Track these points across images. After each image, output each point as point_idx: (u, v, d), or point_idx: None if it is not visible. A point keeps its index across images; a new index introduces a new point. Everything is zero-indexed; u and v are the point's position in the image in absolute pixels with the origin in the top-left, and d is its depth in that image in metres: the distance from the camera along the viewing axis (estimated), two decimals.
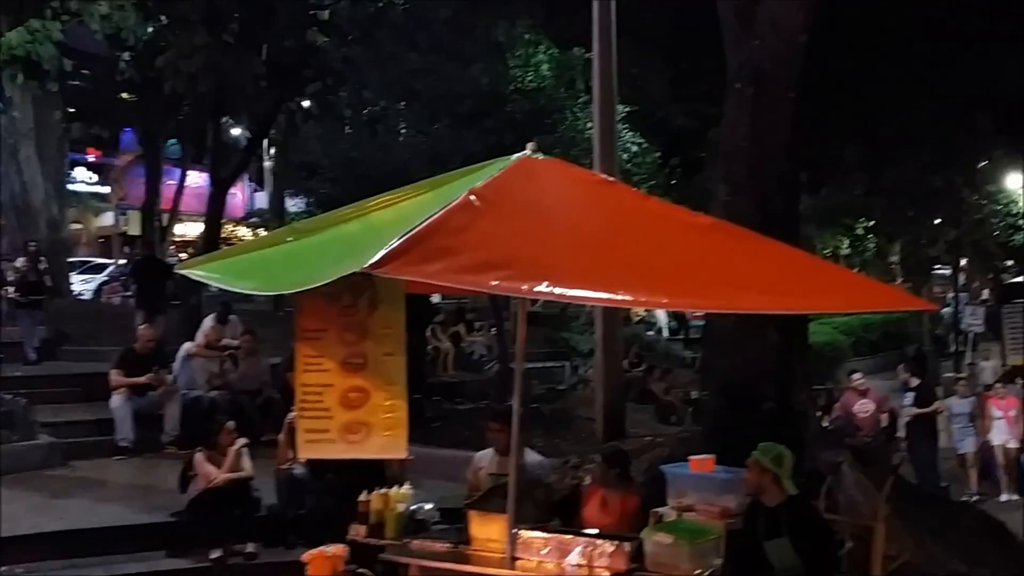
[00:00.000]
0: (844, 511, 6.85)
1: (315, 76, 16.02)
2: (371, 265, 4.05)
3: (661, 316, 23.41)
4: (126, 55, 13.84)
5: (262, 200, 37.14)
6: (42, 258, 14.22)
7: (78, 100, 19.03)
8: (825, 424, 12.78)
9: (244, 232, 36.63)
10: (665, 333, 23.54)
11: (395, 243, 4.12)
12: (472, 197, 4.54)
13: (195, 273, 5.22)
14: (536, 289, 4.15)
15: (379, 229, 4.70)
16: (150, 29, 12.86)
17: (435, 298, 17.37)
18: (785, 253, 4.92)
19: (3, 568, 7.04)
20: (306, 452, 5.77)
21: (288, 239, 5.33)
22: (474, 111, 12.15)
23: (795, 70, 8.10)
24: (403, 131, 13.17)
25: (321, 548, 6.02)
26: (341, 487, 6.72)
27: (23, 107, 17.27)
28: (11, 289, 13.67)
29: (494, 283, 4.21)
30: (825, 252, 29.59)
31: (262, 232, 34.06)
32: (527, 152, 5.11)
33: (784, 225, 7.40)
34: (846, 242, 31.79)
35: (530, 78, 13.46)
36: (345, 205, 5.49)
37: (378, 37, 13.00)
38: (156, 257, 16.33)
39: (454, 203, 4.48)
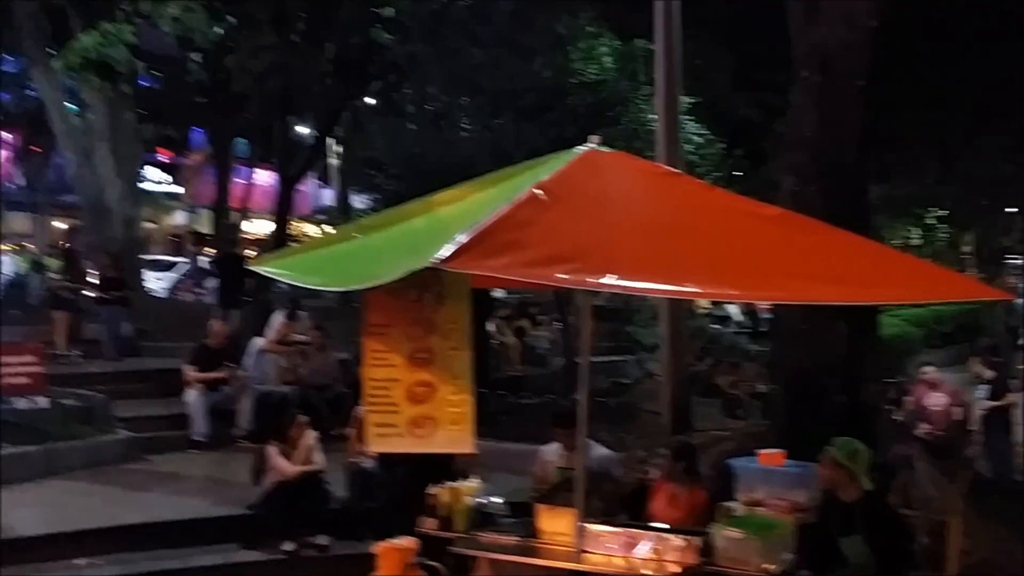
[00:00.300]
0: (918, 506, 6.74)
1: (379, 73, 16.16)
2: (440, 260, 4.08)
3: (733, 310, 23.15)
4: (196, 56, 14.11)
5: (328, 197, 37.61)
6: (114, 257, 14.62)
7: (149, 101, 19.42)
8: (896, 418, 12.54)
9: (311, 229, 37.16)
10: (735, 326, 23.28)
11: (463, 238, 4.14)
12: (537, 191, 4.55)
13: (266, 269, 5.31)
14: (602, 282, 4.15)
15: (445, 224, 4.74)
16: (218, 30, 13.07)
17: (498, 293, 17.44)
18: (855, 243, 4.84)
19: (86, 559, 7.25)
20: (375, 446, 5.83)
21: (355, 235, 5.39)
22: (537, 104, 12.15)
23: (863, 57, 7.97)
24: (466, 126, 13.21)
25: (392, 541, 6.12)
26: (410, 480, 6.80)
27: (97, 109, 17.69)
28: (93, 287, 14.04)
29: (561, 276, 4.22)
30: (895, 242, 29.00)
31: (328, 228, 34.56)
32: (591, 145, 5.11)
33: (853, 215, 7.29)
34: (917, 232, 31.13)
35: (592, 70, 13.39)
36: (409, 200, 5.54)
37: (441, 33, 13.05)
38: (236, 254, 16.66)
39: (519, 197, 4.49)
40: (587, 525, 5.15)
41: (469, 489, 6.01)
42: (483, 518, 5.88)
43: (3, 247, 28.63)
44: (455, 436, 5.46)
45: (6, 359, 9.55)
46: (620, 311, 17.72)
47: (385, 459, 7.42)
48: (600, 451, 6.76)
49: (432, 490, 5.95)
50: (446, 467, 6.79)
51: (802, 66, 8.20)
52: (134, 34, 11.71)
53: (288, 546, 7.49)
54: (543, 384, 14.24)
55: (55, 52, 16.55)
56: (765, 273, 4.33)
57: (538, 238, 4.34)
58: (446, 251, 4.09)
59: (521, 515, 5.90)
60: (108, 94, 15.72)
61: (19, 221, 33.11)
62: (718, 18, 14.87)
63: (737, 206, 4.96)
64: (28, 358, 9.70)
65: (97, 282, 13.95)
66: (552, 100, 12.44)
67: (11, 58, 21.69)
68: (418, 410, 5.45)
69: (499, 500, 6.09)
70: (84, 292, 14.21)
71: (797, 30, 8.25)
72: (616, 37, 13.83)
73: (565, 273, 4.19)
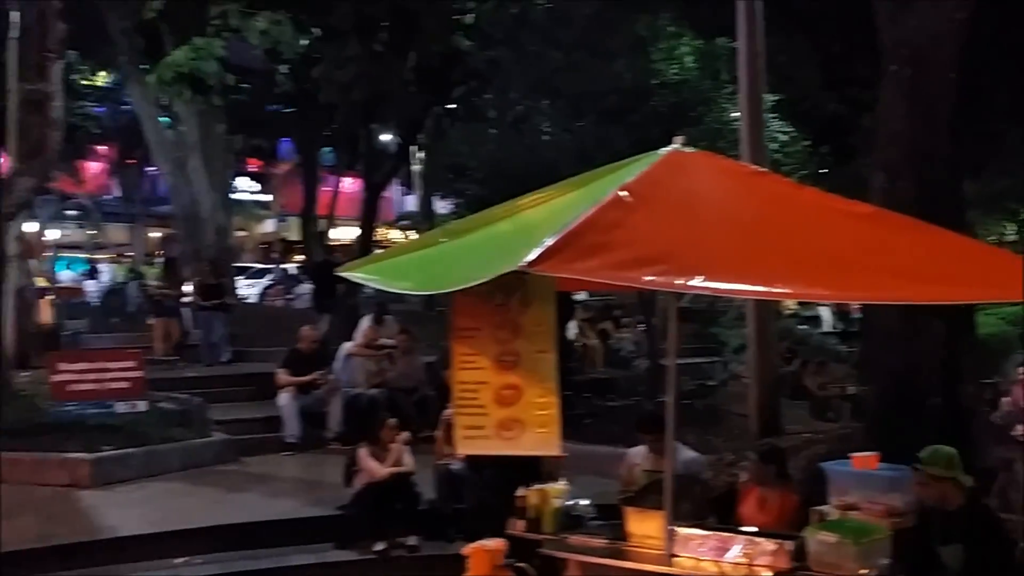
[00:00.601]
0: (1018, 510, 6.53)
1: (460, 79, 16.33)
2: (528, 264, 4.10)
3: (824, 312, 22.69)
4: (283, 68, 14.43)
5: (411, 202, 38.04)
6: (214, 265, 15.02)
7: (239, 113, 19.90)
8: (994, 420, 12.15)
9: (395, 234, 37.65)
10: (827, 327, 22.80)
11: (550, 241, 4.14)
12: (623, 193, 4.54)
13: (355, 275, 5.41)
14: (692, 284, 4.13)
15: (530, 228, 4.76)
16: (304, 42, 13.36)
17: (580, 295, 17.44)
18: (950, 240, 4.72)
19: (184, 558, 7.47)
20: (464, 448, 5.90)
21: (442, 240, 5.45)
22: (618, 106, 12.10)
23: (954, 49, 7.76)
24: (548, 130, 13.24)
25: (481, 542, 6.16)
26: (498, 482, 6.84)
27: (189, 122, 18.18)
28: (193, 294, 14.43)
29: (649, 279, 4.20)
30: (990, 239, 28.06)
31: (413, 234, 34.97)
32: (676, 146, 5.08)
33: (946, 211, 7.11)
34: (1012, 228, 30.05)
35: (674, 71, 13.29)
36: (493, 205, 5.57)
37: (521, 37, 13.11)
38: (329, 260, 17.01)
39: (605, 199, 4.48)
40: (677, 528, 5.12)
41: (557, 491, 6.01)
42: (571, 520, 5.87)
43: (102, 256, 29.75)
44: (542, 438, 5.50)
45: (108, 364, 9.92)
46: (704, 312, 17.53)
47: (473, 461, 7.49)
48: (687, 454, 6.71)
49: (520, 492, 5.96)
50: (533, 469, 6.80)
51: (891, 60, 8.01)
52: (224, 48, 12.03)
53: (379, 546, 7.60)
54: (627, 387, 14.17)
55: (149, 67, 17.12)
56: (858, 272, 4.25)
57: (625, 240, 4.32)
58: (533, 254, 4.10)
59: (609, 518, 5.89)
60: (199, 107, 16.15)
61: (116, 231, 34.32)
62: (802, 13, 14.59)
63: (828, 204, 4.87)
64: (128, 363, 10.05)
65: (197, 289, 14.30)
66: (633, 102, 12.36)
67: (107, 74, 22.44)
68: (506, 412, 5.50)
69: (587, 502, 6.08)
70: (184, 299, 14.60)
71: (885, 23, 8.07)
72: (697, 36, 13.70)
73: (654, 275, 4.17)
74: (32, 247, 15.98)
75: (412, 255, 5.47)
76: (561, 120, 12.99)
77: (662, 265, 4.20)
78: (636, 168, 4.88)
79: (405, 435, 8.25)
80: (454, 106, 18.22)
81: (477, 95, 16.73)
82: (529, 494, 5.93)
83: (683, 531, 5.14)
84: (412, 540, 7.72)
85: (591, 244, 4.26)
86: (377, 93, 13.68)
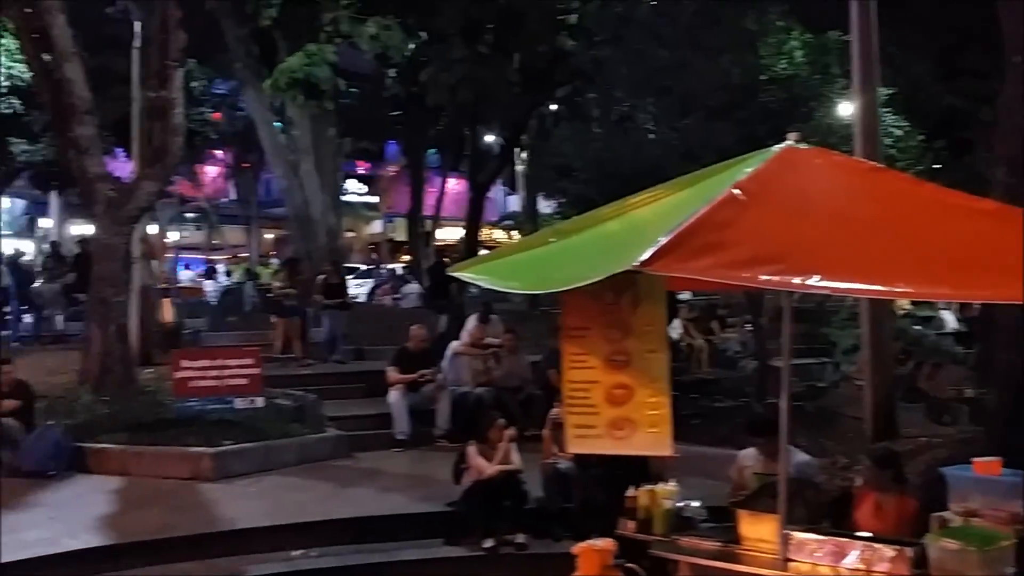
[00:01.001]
0: None
1: (565, 79, 16.36)
2: (641, 263, 4.08)
3: (947, 313, 21.89)
4: (391, 72, 14.70)
5: (514, 203, 38.25)
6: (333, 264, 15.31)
7: (348, 116, 20.36)
8: None
9: (499, 235, 37.94)
10: (949, 329, 21.98)
11: (663, 240, 4.10)
12: (736, 191, 4.47)
13: (466, 275, 5.47)
14: (809, 283, 4.05)
15: (640, 227, 4.74)
16: (412, 46, 13.58)
17: (685, 295, 17.24)
18: None
19: (300, 550, 7.69)
20: (574, 447, 5.91)
21: (551, 240, 5.45)
22: (726, 103, 11.94)
23: None
24: (653, 128, 13.15)
25: (590, 541, 6.17)
26: (607, 482, 6.85)
27: (302, 126, 18.68)
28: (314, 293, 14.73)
29: (765, 278, 4.13)
30: None
31: (516, 234, 35.18)
32: (790, 142, 5.00)
33: None
34: None
35: (783, 66, 13.05)
36: (598, 204, 5.56)
37: (626, 36, 13.06)
38: (443, 261, 17.25)
39: (718, 198, 4.43)
40: (792, 532, 5.03)
41: (667, 492, 5.97)
42: (682, 522, 5.83)
43: (219, 257, 30.78)
44: (654, 438, 5.47)
45: (227, 362, 10.27)
46: (812, 312, 17.14)
47: (581, 460, 7.50)
48: (800, 457, 6.58)
49: (630, 492, 5.95)
50: (642, 470, 6.79)
51: (1013, 50, 7.72)
52: (335, 53, 12.33)
53: (488, 543, 7.67)
54: (734, 387, 13.96)
55: (264, 74, 17.64)
56: (982, 271, 4.10)
57: (739, 239, 4.27)
58: (646, 254, 4.08)
59: (720, 520, 5.83)
60: (312, 111, 16.57)
61: (232, 233, 35.49)
62: (914, 3, 14.17)
63: (949, 200, 4.72)
64: (247, 361, 10.37)
65: (319, 288, 14.56)
66: (741, 98, 12.19)
67: (223, 81, 23.19)
68: (617, 412, 5.49)
69: (698, 504, 6.03)
70: (305, 298, 14.87)
71: (1007, 12, 7.78)
72: (807, 30, 13.43)
73: (769, 274, 4.11)
74: (154, 248, 16.63)
75: (522, 255, 5.49)
76: (667, 118, 12.90)
77: (778, 264, 4.13)
78: (749, 165, 4.81)
79: (512, 433, 8.30)
80: (558, 106, 18.26)
81: (581, 95, 16.74)
82: (639, 494, 5.92)
83: (798, 535, 5.05)
84: (520, 538, 7.76)
85: (704, 243, 4.21)
86: (483, 94, 13.80)
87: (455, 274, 5.54)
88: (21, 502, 8.56)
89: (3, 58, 14.55)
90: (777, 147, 4.97)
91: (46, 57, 11.77)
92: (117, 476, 9.40)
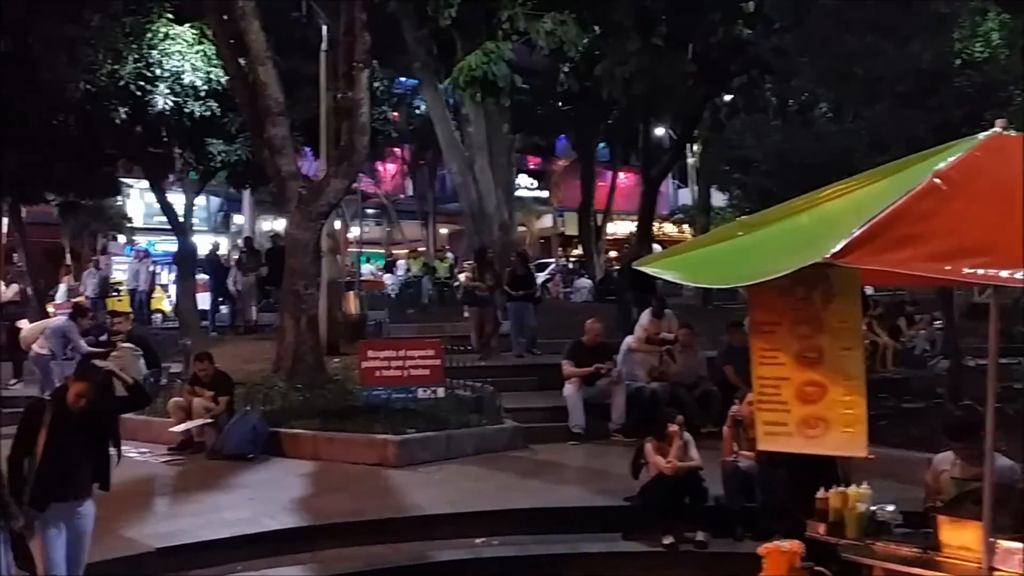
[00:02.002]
0: None
1: (741, 69, 16.01)
2: (833, 255, 3.96)
3: None
4: (565, 67, 14.78)
5: (685, 196, 37.77)
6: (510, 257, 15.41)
7: (520, 112, 20.59)
8: None
9: (670, 228, 37.54)
10: None
11: (856, 232, 3.98)
12: (937, 180, 4.27)
13: (651, 269, 5.44)
14: (1017, 276, 3.83)
15: (833, 220, 4.59)
16: (586, 40, 13.60)
17: (868, 290, 16.55)
18: None
19: (481, 539, 7.85)
20: (764, 444, 5.77)
21: (739, 233, 5.35)
22: (916, 89, 11.37)
23: None
24: (837, 117, 12.67)
25: (777, 542, 6.04)
26: (793, 482, 6.68)
27: (477, 123, 19.07)
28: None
29: (969, 271, 3.93)
30: None
31: (687, 228, 34.74)
32: (997, 129, 4.73)
33: None
34: None
35: (978, 49, 12.33)
36: (777, 197, 5.43)
37: (808, 22, 12.64)
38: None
39: (917, 188, 4.23)
40: (997, 540, 4.78)
41: (860, 495, 5.79)
42: (876, 526, 5.63)
43: (398, 252, 31.75)
44: (848, 439, 5.28)
45: (411, 353, 10.60)
46: (1008, 309, 16.16)
47: (766, 459, 7.33)
48: (1003, 461, 6.21)
49: (821, 494, 5.79)
50: (830, 470, 6.59)
51: None
52: (512, 50, 12.51)
53: (667, 540, 7.62)
54: (923, 388, 13.32)
55: (442, 72, 18.11)
56: None
57: (940, 231, 4.08)
58: (839, 246, 3.95)
59: (915, 525, 5.60)
60: (487, 108, 16.86)
61: (410, 228, 36.57)
62: None
63: None
64: (429, 352, 10.68)
65: (507, 280, 14.65)
66: (933, 84, 11.58)
67: (401, 80, 23.88)
68: (809, 410, 5.33)
69: (892, 508, 5.81)
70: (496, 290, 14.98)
71: None
72: (1005, 10, 12.64)
73: (974, 268, 3.90)
74: (339, 243, 17.29)
75: (709, 249, 5.42)
76: (852, 107, 12.41)
77: (984, 257, 3.92)
78: (951, 154, 4.58)
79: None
80: (733, 97, 17.88)
81: (757, 85, 16.34)
82: (831, 496, 5.76)
83: (1004, 544, 4.79)
84: (700, 536, 7.68)
85: (902, 235, 4.05)
86: (657, 87, 13.68)
87: (642, 268, 5.52)
88: (222, 483, 9.13)
89: (202, 63, 15.46)
90: (983, 134, 4.72)
91: (242, 61, 12.48)
92: (309, 460, 9.89)
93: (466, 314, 14.84)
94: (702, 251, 5.48)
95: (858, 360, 5.23)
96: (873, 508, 5.69)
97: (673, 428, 8.02)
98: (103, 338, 13.56)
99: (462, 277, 15.03)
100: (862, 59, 11.91)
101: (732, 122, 17.36)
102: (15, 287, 15.03)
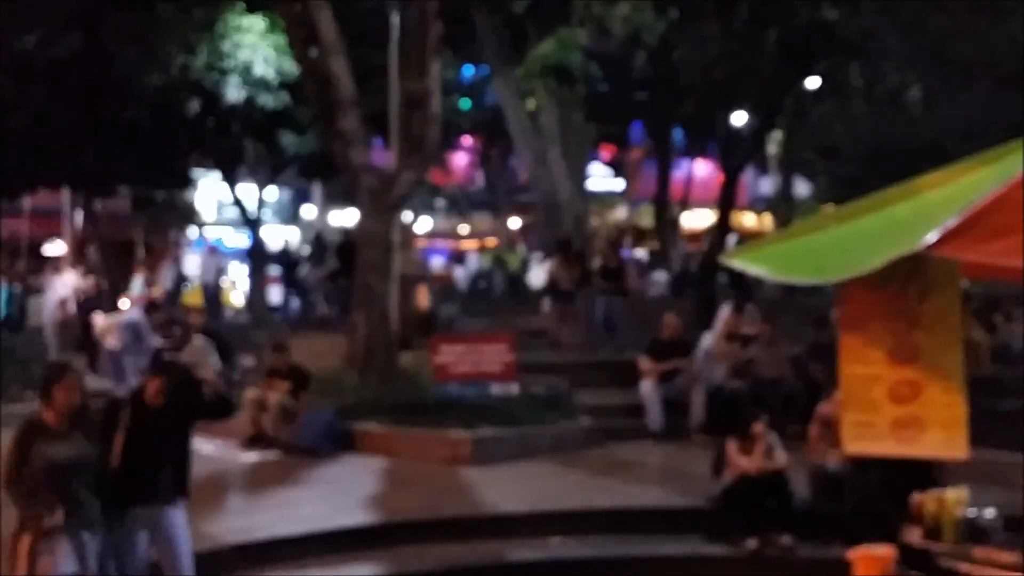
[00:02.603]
0: None
1: (826, 53, 15.47)
2: (928, 246, 3.70)
3: None
4: (642, 54, 14.46)
5: (765, 186, 37.01)
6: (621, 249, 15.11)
7: (594, 101, 20.30)
8: None
9: (749, 219, 36.81)
10: None
11: (952, 221, 3.73)
12: None
13: (738, 263, 5.18)
14: None
15: (928, 210, 4.30)
16: (664, 26, 13.26)
17: (962, 284, 15.85)
18: None
19: (558, 538, 7.68)
20: (852, 446, 5.48)
21: (830, 225, 5.10)
22: (1016, 72, 10.84)
23: None
24: (930, 102, 12.16)
25: (868, 547, 5.76)
26: (886, 485, 6.38)
27: (549, 112, 18.80)
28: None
29: None
30: None
31: (768, 218, 34.00)
32: None
33: None
34: None
35: None
36: (866, 186, 5.15)
37: (898, 3, 12.11)
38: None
39: (1018, 175, 3.95)
40: None
41: (957, 499, 5.49)
42: (976, 531, 5.38)
43: (468, 244, 31.77)
44: (946, 440, 4.99)
45: (484, 348, 10.44)
46: None
47: (857, 462, 7.00)
48: None
49: (915, 497, 5.49)
50: (924, 473, 6.29)
51: None
52: (586, 38, 12.25)
53: (751, 543, 7.36)
54: (1021, 386, 12.70)
55: (514, 61, 17.89)
56: None
57: None
58: (934, 236, 3.72)
59: (1016, 530, 5.30)
60: (561, 97, 16.62)
61: (481, 220, 36.52)
62: None
63: None
64: (502, 347, 10.50)
65: (598, 272, 14.37)
66: None
67: (471, 69, 23.79)
68: (902, 410, 5.04)
69: (993, 513, 5.50)
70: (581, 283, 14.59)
71: None
72: None
73: None
74: (409, 236, 17.24)
75: (799, 241, 5.14)
76: (946, 91, 11.89)
77: None
78: None
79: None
80: (817, 83, 17.33)
81: (843, 69, 15.79)
82: (926, 500, 5.48)
83: None
84: (786, 539, 7.41)
85: (1001, 224, 3.84)
86: (738, 72, 13.28)
87: (730, 262, 5.28)
88: (296, 478, 9.09)
89: (273, 54, 15.52)
90: None
91: (313, 52, 12.43)
92: (381, 456, 9.78)
93: (545, 307, 14.48)
94: (791, 243, 5.19)
95: (958, 357, 4.96)
96: (971, 512, 5.41)
97: (758, 428, 7.74)
98: (177, 332, 13.69)
99: (541, 270, 14.55)
100: (957, 40, 11.40)
101: (816, 108, 16.87)
102: (90, 279, 15.27)
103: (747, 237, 32.28)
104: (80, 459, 5.25)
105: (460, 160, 36.18)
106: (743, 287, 13.60)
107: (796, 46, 14.48)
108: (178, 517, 5.69)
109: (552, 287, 14.40)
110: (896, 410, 5.10)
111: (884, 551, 5.72)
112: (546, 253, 17.55)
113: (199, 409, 6.16)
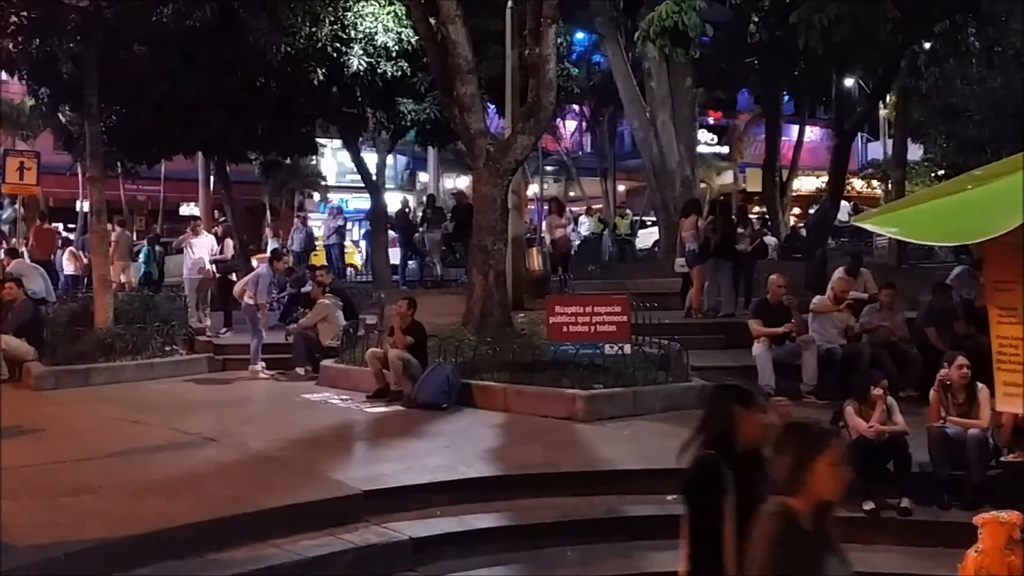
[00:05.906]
0: None
1: (943, 14, 15.02)
2: None
3: None
4: (755, 17, 14.24)
5: (875, 151, 36.08)
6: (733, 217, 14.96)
7: (702, 65, 20.10)
8: None
9: (858, 184, 35.98)
10: None
11: None
12: None
13: (870, 225, 5.21)
14: None
15: None
16: None
17: None
18: None
19: (673, 496, 7.77)
20: (1003, 405, 5.48)
21: (968, 187, 5.07)
22: None
23: None
24: None
25: (994, 513, 5.77)
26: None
27: (659, 77, 18.73)
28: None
29: None
30: None
31: (878, 184, 33.18)
32: None
33: None
34: None
35: None
36: (990, 148, 5.09)
37: None
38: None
39: None
40: None
41: None
42: None
43: (577, 208, 31.81)
44: None
45: (597, 309, 10.61)
46: None
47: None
48: None
49: None
50: None
51: None
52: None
53: (868, 505, 7.37)
54: None
55: (623, 26, 17.81)
56: None
57: None
58: None
59: None
60: (671, 62, 16.50)
61: (589, 184, 36.52)
62: None
63: None
64: (615, 308, 10.65)
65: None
66: None
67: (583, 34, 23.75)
68: None
69: None
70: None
71: None
72: None
73: None
74: (522, 200, 17.46)
75: (934, 203, 5.13)
76: None
77: None
78: None
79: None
80: (933, 44, 16.82)
81: (961, 31, 15.32)
82: None
83: None
84: (904, 502, 7.40)
85: None
86: (857, 34, 12.96)
87: (860, 224, 5.31)
88: (419, 431, 9.44)
89: (394, 23, 15.83)
90: None
91: (432, 21, 12.67)
92: (499, 412, 10.09)
93: (680, 268, 14.07)
94: (926, 206, 5.19)
95: None
96: None
97: (877, 391, 7.73)
98: (305, 290, 14.29)
99: (688, 233, 13.68)
100: None
101: (933, 70, 16.38)
102: (230, 242, 15.96)
103: (856, 202, 31.62)
104: None
105: (569, 126, 36.19)
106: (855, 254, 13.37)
107: (914, 6, 14.09)
108: None
109: (703, 249, 13.84)
110: None
111: (1011, 516, 5.73)
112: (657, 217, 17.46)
113: None
